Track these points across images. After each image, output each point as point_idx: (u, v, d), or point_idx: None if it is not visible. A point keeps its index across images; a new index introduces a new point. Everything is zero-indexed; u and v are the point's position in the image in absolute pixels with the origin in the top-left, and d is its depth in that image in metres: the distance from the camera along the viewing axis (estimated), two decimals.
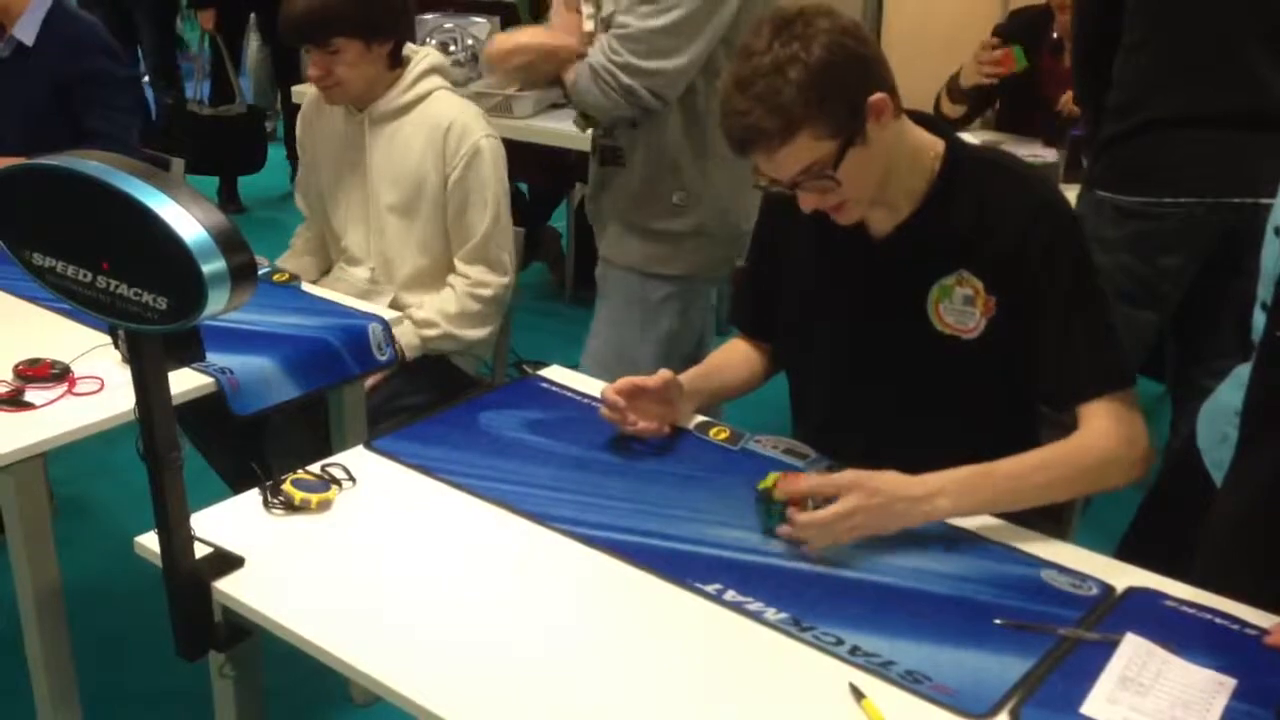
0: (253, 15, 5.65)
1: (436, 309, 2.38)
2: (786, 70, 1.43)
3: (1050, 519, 1.80)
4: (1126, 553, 1.72)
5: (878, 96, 1.49)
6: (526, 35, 2.34)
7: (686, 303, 2.32)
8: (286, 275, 2.36)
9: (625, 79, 2.10)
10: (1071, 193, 2.77)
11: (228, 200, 5.42)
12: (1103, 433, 1.54)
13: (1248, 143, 2.29)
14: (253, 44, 6.18)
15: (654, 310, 2.27)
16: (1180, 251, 2.36)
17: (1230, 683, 1.25)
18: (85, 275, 1.25)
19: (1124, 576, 1.45)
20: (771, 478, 1.50)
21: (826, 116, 1.45)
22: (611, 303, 2.36)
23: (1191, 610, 1.38)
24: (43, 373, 1.90)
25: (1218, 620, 1.36)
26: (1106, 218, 2.38)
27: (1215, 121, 2.27)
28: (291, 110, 5.13)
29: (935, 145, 1.61)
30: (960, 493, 1.48)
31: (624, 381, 1.69)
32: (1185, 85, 2.27)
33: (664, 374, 1.70)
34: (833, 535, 1.44)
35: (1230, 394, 1.65)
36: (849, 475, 1.46)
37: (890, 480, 1.45)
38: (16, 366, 1.90)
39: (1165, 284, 2.40)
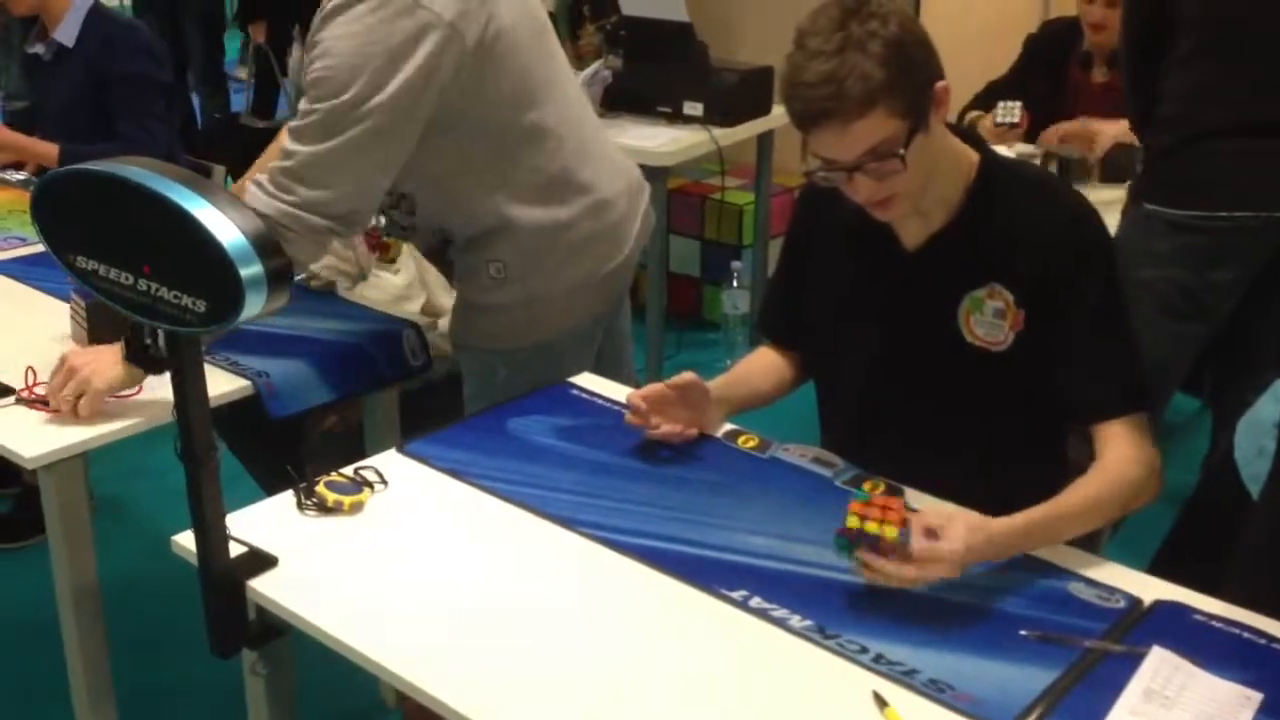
0: (296, 25, 5.72)
1: None
2: (867, 44, 1.43)
3: None
4: (1162, 565, 1.72)
5: (941, 84, 1.51)
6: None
7: (542, 369, 2.03)
8: (323, 281, 2.39)
9: (316, 219, 1.81)
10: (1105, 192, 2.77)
11: None
12: (1130, 460, 1.54)
13: None
14: (295, 54, 6.26)
15: (505, 386, 2.02)
16: (1233, 265, 2.35)
17: (1256, 697, 1.25)
18: (127, 278, 1.28)
19: (1151, 589, 1.44)
20: (854, 519, 1.39)
21: (902, 93, 1.45)
22: (468, 382, 2.14)
23: (1219, 624, 1.37)
24: None
25: (1245, 634, 1.35)
26: (1156, 231, 2.37)
27: (1267, 134, 2.26)
28: None
29: (970, 156, 1.62)
30: (1032, 541, 1.48)
31: (649, 387, 1.71)
32: (1237, 99, 2.27)
33: (688, 375, 1.71)
34: (914, 583, 1.38)
35: (1269, 407, 1.65)
36: (948, 549, 1.36)
37: (983, 548, 1.40)
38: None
39: (1216, 298, 2.39)
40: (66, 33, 2.91)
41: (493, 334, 2.07)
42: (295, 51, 6.21)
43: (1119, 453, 1.54)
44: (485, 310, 2.06)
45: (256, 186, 1.83)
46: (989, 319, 1.61)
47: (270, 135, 5.41)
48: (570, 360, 2.05)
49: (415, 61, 1.77)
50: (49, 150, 2.90)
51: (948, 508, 1.48)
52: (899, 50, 1.45)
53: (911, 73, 1.46)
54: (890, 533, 1.36)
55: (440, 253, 2.16)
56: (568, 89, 2.07)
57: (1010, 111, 3.10)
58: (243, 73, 6.13)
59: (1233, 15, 2.27)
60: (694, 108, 3.53)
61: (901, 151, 1.47)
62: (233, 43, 6.13)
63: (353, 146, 1.79)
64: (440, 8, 1.79)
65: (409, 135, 1.83)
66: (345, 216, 1.84)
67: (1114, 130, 2.94)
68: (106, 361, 1.84)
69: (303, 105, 1.82)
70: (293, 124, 1.83)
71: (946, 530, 1.37)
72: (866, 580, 1.40)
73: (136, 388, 1.87)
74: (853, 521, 1.38)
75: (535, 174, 1.97)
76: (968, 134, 1.65)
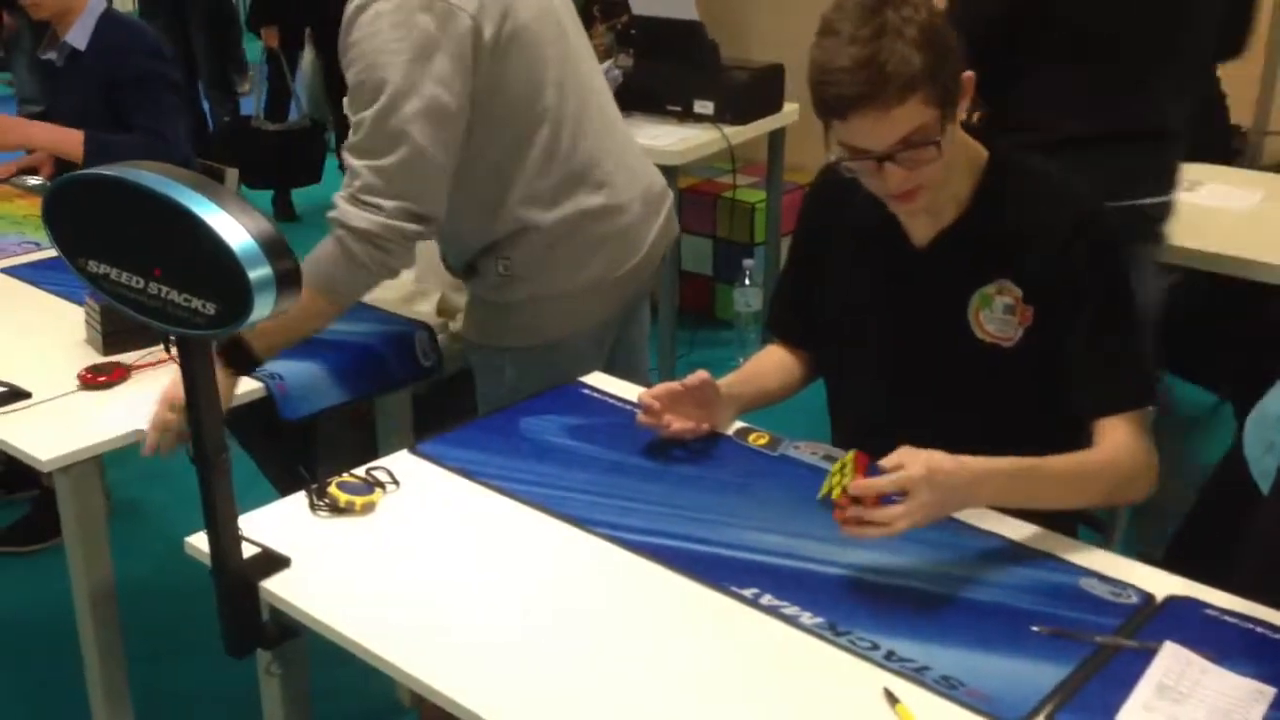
0: (307, 29, 5.74)
1: None
2: (904, 30, 1.43)
3: (1093, 527, 1.80)
4: (1172, 560, 1.71)
5: (968, 74, 1.50)
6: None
7: (550, 369, 2.03)
8: None
9: (408, 225, 1.84)
10: None
11: (283, 210, 5.51)
12: (1129, 449, 1.54)
13: (1148, 152, 2.32)
14: (307, 57, 6.29)
15: (513, 385, 2.03)
16: None
17: (1270, 691, 1.24)
18: (138, 281, 1.28)
19: (1164, 585, 1.44)
20: (834, 484, 1.44)
21: (938, 80, 1.45)
22: (479, 380, 2.14)
23: (1232, 619, 1.37)
24: (117, 377, 1.96)
25: (1258, 629, 1.35)
26: None
27: (1131, 138, 2.28)
28: (343, 121, 5.20)
29: (980, 152, 1.61)
30: (1006, 488, 1.48)
31: (661, 386, 1.71)
32: (1103, 111, 2.28)
33: (700, 374, 1.71)
34: (890, 531, 1.39)
35: (1277, 402, 1.64)
36: (915, 472, 1.38)
37: (946, 475, 1.40)
38: (81, 373, 1.96)
39: None
40: (78, 37, 2.93)
41: (501, 332, 2.07)
42: (307, 54, 6.25)
43: (1115, 441, 1.54)
44: (493, 307, 2.06)
45: (345, 203, 1.85)
46: (999, 315, 1.60)
47: (281, 138, 5.44)
48: (579, 362, 2.05)
49: (444, 52, 1.79)
50: (74, 137, 2.89)
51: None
52: (935, 38, 1.44)
53: (946, 61, 1.46)
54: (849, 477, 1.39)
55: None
56: (590, 87, 2.06)
57: None
58: (244, 86, 6.16)
59: (1092, 17, 2.26)
60: (705, 106, 3.53)
61: (938, 139, 1.47)
62: (252, 45, 6.15)
63: (410, 153, 1.81)
64: (459, 0, 1.80)
65: (455, 127, 1.85)
66: (428, 216, 1.87)
67: None
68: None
69: (351, 118, 1.85)
70: (347, 142, 1.86)
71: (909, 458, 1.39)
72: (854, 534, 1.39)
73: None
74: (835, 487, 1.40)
75: (548, 173, 1.97)
76: (976, 130, 1.65)
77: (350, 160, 1.85)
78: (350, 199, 1.84)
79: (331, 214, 1.86)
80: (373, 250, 1.84)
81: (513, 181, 1.95)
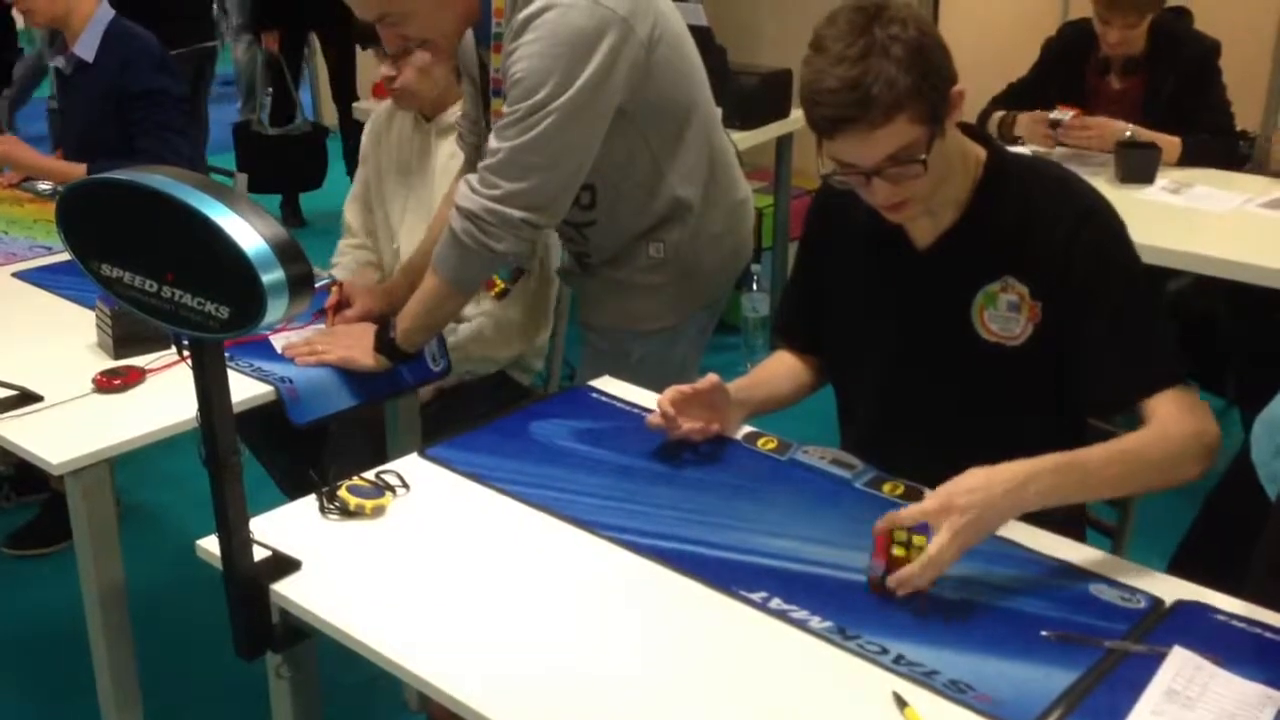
0: (312, 33, 5.75)
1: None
2: (890, 49, 1.42)
3: (1103, 531, 1.80)
4: (1180, 566, 1.71)
5: (958, 88, 1.51)
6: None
7: (667, 349, 2.19)
8: None
9: (514, 212, 1.91)
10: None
11: (290, 215, 5.52)
12: (1177, 421, 1.50)
13: None
14: (313, 62, 6.29)
15: (640, 367, 2.10)
16: None
17: (1279, 696, 1.24)
18: (151, 285, 1.29)
19: (1173, 590, 1.44)
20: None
21: (924, 98, 1.45)
22: (595, 364, 2.18)
23: (1241, 624, 1.37)
24: (133, 379, 1.97)
25: (1268, 634, 1.35)
26: None
27: None
28: (349, 126, 5.22)
29: (978, 153, 1.62)
30: (1051, 486, 1.43)
31: (672, 390, 1.72)
32: None
33: (711, 378, 1.72)
34: (939, 569, 1.38)
35: None
36: (933, 502, 1.39)
37: (976, 489, 1.39)
38: (96, 376, 1.97)
39: None
40: (86, 48, 2.94)
41: (638, 315, 2.16)
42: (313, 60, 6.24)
43: (1165, 414, 1.51)
44: (636, 290, 2.15)
45: (465, 185, 1.96)
46: (1003, 313, 1.61)
47: (283, 142, 5.44)
48: (693, 344, 2.20)
49: (598, 56, 1.89)
50: (78, 171, 2.91)
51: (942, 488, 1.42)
52: (921, 55, 1.44)
53: (932, 77, 1.46)
54: (919, 539, 1.40)
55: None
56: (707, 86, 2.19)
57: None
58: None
59: None
60: None
61: (923, 157, 1.47)
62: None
63: (545, 138, 1.89)
64: (614, 4, 1.89)
65: (597, 124, 1.94)
66: (542, 207, 1.93)
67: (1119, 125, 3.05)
68: (360, 348, 2.06)
69: (504, 108, 1.94)
70: (495, 125, 1.96)
71: (938, 514, 1.38)
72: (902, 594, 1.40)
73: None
74: (899, 551, 1.40)
75: (700, 154, 2.10)
76: (974, 130, 1.65)
77: (491, 142, 1.94)
78: (473, 181, 1.94)
79: (459, 185, 1.97)
80: (471, 228, 1.93)
81: (676, 162, 2.06)
